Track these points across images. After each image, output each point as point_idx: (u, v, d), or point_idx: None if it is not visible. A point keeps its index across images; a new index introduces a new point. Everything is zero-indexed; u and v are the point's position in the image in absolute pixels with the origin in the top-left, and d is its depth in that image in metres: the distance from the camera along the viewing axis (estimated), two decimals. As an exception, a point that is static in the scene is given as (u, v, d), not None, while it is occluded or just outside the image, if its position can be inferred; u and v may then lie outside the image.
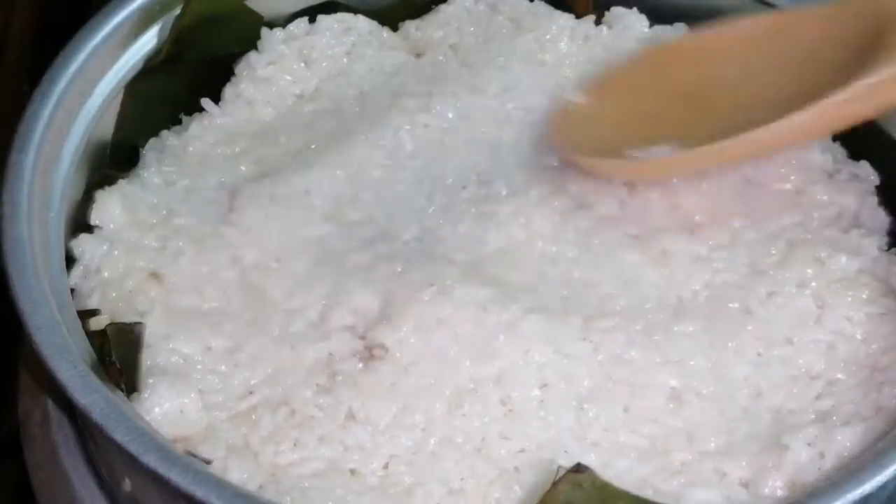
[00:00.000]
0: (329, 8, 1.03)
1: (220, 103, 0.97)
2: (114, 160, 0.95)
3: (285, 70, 0.99)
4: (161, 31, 0.96)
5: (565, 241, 0.88)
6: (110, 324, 0.81)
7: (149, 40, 0.96)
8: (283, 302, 0.85)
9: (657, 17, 1.02)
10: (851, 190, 0.91)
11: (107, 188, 0.89)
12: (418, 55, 1.02)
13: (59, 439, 0.87)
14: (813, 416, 0.79)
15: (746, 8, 1.00)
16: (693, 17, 1.00)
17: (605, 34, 1.02)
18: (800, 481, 0.76)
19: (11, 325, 0.77)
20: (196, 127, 0.95)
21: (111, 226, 0.88)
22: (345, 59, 1.00)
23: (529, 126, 0.96)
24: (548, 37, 1.01)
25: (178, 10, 0.96)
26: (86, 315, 0.82)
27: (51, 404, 0.87)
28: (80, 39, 0.90)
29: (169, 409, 0.78)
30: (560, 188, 0.91)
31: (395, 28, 1.04)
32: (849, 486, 0.69)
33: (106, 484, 0.84)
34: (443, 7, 1.04)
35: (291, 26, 1.00)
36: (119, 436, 0.70)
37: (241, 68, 0.98)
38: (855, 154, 0.95)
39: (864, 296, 0.84)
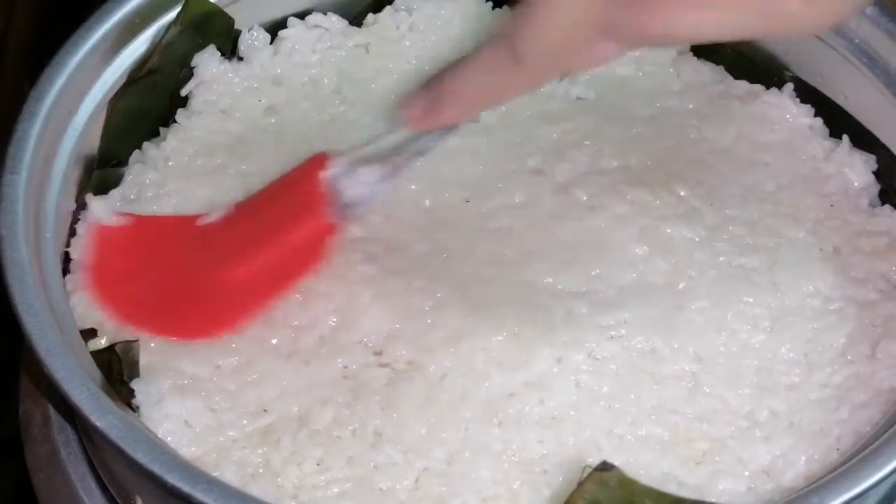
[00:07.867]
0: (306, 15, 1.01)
1: (190, 114, 0.96)
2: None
3: (254, 79, 0.97)
4: (144, 43, 0.95)
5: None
6: (117, 343, 0.80)
7: (131, 53, 0.94)
8: (288, 319, 0.83)
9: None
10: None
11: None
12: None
13: (60, 440, 0.87)
14: (822, 397, 0.80)
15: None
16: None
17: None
18: (816, 467, 0.76)
19: (12, 326, 0.76)
20: (173, 138, 0.94)
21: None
22: (316, 68, 0.98)
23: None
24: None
25: (160, 22, 0.95)
26: (85, 336, 0.81)
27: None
28: (64, 54, 0.89)
29: (175, 428, 0.78)
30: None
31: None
32: (869, 471, 0.70)
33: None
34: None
35: (260, 33, 0.99)
36: (140, 456, 0.70)
37: (208, 76, 0.97)
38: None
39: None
